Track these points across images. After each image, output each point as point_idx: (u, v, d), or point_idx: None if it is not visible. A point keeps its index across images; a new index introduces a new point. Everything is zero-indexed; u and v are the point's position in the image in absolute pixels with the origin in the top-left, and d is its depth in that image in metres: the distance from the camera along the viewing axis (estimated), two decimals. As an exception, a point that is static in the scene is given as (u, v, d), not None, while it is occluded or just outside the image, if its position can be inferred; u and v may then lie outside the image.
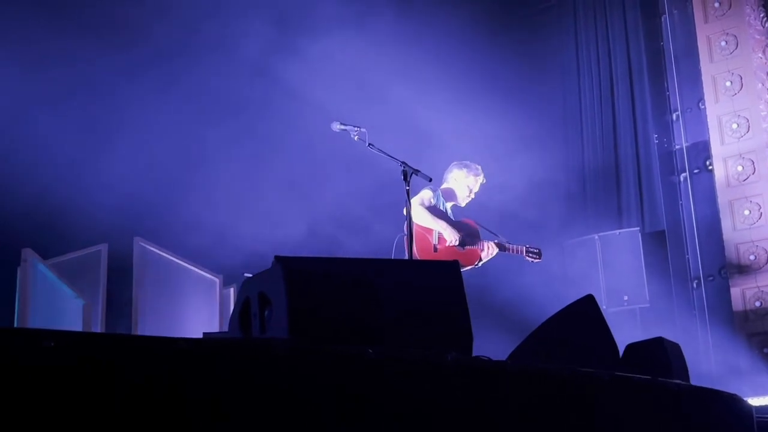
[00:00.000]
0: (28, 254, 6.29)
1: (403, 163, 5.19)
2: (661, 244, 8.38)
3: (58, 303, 6.79)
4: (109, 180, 7.51)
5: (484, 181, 6.65)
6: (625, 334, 4.62)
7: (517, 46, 9.22)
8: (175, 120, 8.10)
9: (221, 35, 8.16)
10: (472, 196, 6.63)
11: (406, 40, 8.38)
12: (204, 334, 5.53)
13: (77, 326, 6.79)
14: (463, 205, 6.64)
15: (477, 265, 6.45)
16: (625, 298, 7.84)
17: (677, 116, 8.71)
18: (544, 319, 4.28)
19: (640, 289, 7.83)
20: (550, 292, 7.56)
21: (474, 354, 3.47)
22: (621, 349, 4.27)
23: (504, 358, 3.85)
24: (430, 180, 5.25)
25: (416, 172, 5.16)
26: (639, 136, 8.87)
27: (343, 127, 5.51)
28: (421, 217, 6.19)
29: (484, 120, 8.50)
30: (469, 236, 6.39)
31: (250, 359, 2.59)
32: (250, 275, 5.61)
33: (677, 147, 8.66)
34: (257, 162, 8.13)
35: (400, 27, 8.32)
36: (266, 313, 3.18)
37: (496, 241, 6.49)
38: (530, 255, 6.62)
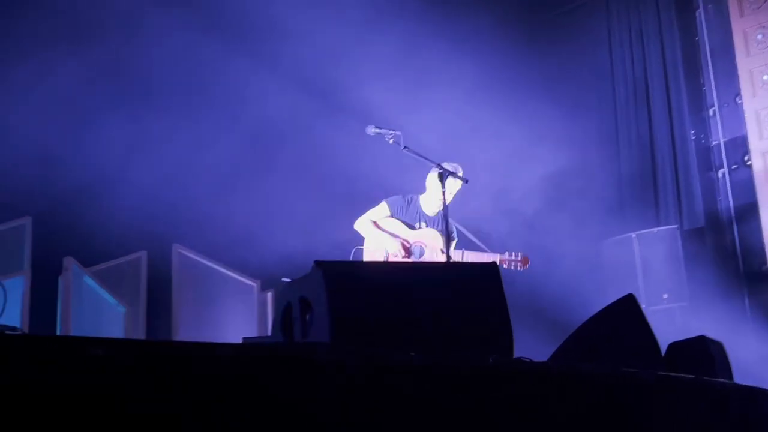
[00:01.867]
0: (70, 263, 6.39)
1: (438, 165, 5.18)
2: (700, 241, 8.28)
3: (99, 310, 6.89)
4: (147, 188, 7.60)
5: (462, 178, 5.80)
6: (665, 333, 4.57)
7: (550, 46, 9.18)
8: (209, 129, 8.19)
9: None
10: (447, 201, 5.82)
11: (437, 40, 8.38)
12: (243, 339, 5.58)
13: (118, 333, 6.90)
14: (441, 207, 5.89)
15: None
16: (665, 296, 7.76)
17: (714, 111, 8.60)
18: (583, 319, 4.26)
19: (680, 287, 7.75)
20: (588, 291, 7.52)
21: (515, 356, 3.46)
22: (662, 348, 4.23)
23: (544, 360, 3.83)
24: (466, 181, 5.22)
25: (452, 173, 5.15)
26: (675, 132, 8.76)
27: (377, 130, 5.51)
28: (365, 230, 6.06)
29: (517, 120, 8.47)
30: (430, 246, 5.92)
31: (292, 364, 2.60)
32: (289, 280, 5.67)
33: (714, 143, 8.55)
34: (292, 169, 8.19)
35: (431, 27, 8.32)
36: (307, 317, 3.20)
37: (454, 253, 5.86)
38: (510, 264, 5.98)
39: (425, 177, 5.99)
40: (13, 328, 3.21)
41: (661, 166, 8.79)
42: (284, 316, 3.32)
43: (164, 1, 7.83)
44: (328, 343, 2.94)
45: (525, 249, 7.50)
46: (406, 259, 5.89)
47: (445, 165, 5.60)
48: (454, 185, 5.78)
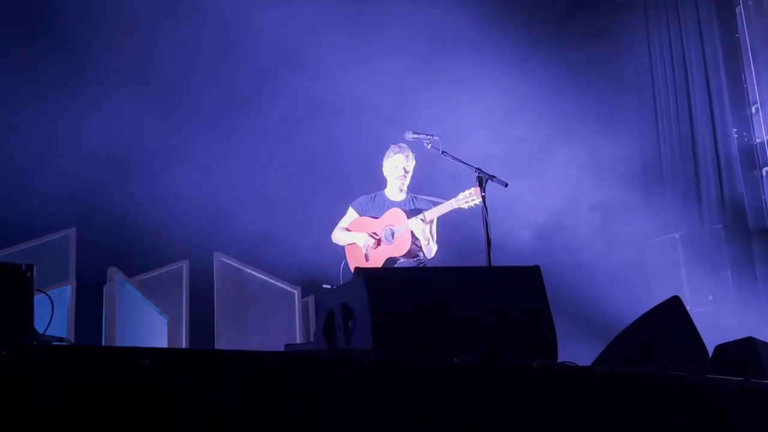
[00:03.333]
0: (114, 273, 6.47)
1: (478, 169, 5.14)
2: (744, 241, 8.14)
3: (143, 319, 6.97)
4: (188, 198, 7.69)
5: (409, 157, 5.91)
6: (711, 335, 4.50)
7: (588, 47, 9.11)
8: (249, 142, 8.29)
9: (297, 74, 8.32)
10: (404, 179, 5.94)
11: (475, 42, 8.37)
12: (286, 345, 5.61)
13: (162, 341, 6.96)
14: (404, 188, 5.97)
15: (421, 248, 5.79)
16: (710, 297, 7.64)
17: (756, 109, 8.46)
18: (627, 322, 4.21)
19: (726, 287, 7.63)
20: (632, 293, 7.45)
21: (559, 359, 3.44)
22: (709, 351, 4.17)
23: (589, 363, 3.80)
24: (506, 185, 5.16)
25: (491, 177, 5.10)
26: (717, 130, 8.62)
27: (416, 136, 5.52)
28: (338, 239, 6.09)
29: (555, 122, 8.43)
30: (397, 224, 5.83)
31: (337, 370, 2.61)
32: (330, 286, 5.70)
33: (758, 140, 8.41)
34: (330, 177, 8.24)
35: (469, 28, 8.32)
36: (350, 323, 3.21)
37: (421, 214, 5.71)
38: (468, 202, 5.42)
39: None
40: (61, 339, 3.25)
41: (703, 164, 8.67)
42: (327, 323, 3.33)
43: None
44: (371, 349, 2.94)
45: (567, 251, 7.45)
46: (379, 247, 5.86)
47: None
48: (403, 161, 5.88)
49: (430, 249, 5.80)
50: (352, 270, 5.83)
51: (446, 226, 6.19)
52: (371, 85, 7.98)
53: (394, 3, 8.35)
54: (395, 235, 5.83)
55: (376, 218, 5.99)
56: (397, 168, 5.95)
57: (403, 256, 5.82)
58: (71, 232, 6.94)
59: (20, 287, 3.11)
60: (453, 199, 5.50)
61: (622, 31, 9.52)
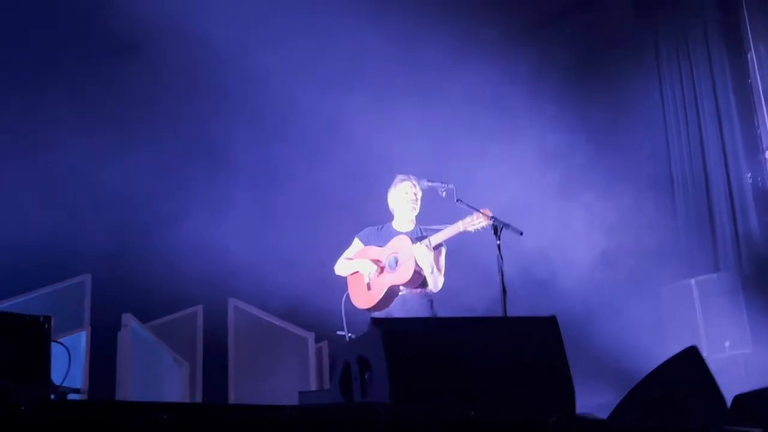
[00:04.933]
0: (129, 319, 6.50)
1: (492, 217, 5.15)
2: (761, 286, 8.08)
3: (158, 365, 6.97)
4: (202, 244, 7.74)
5: (416, 185, 5.79)
6: (729, 382, 4.45)
7: (600, 92, 9.15)
8: (263, 187, 8.36)
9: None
10: (415, 204, 5.79)
11: (485, 84, 8.45)
12: (300, 393, 5.59)
13: (177, 387, 6.97)
14: (412, 217, 5.81)
15: (432, 276, 5.60)
16: (727, 344, 7.56)
17: (770, 154, 8.47)
18: (644, 369, 4.17)
19: (743, 333, 7.54)
20: (648, 339, 7.39)
21: (577, 411, 3.41)
22: (727, 399, 4.12)
23: (605, 412, 3.77)
24: (521, 234, 5.16)
25: (506, 226, 5.11)
26: (731, 175, 8.60)
27: (430, 183, 5.53)
28: (341, 269, 5.89)
29: (569, 165, 8.46)
30: (401, 250, 5.64)
31: (355, 424, 2.60)
32: (344, 333, 5.68)
33: (772, 185, 8.41)
34: (344, 223, 8.27)
35: (481, 71, 8.41)
36: (366, 376, 3.21)
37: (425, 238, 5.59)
38: (476, 226, 5.32)
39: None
40: (77, 390, 3.26)
41: (717, 209, 8.64)
42: (343, 376, 3.32)
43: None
44: (388, 403, 2.93)
45: (582, 298, 7.39)
46: (381, 275, 5.63)
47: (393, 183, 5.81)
48: (410, 190, 5.75)
49: (435, 280, 5.59)
50: (354, 302, 5.74)
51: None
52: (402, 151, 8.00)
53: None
54: (398, 262, 5.63)
55: (380, 246, 5.81)
56: (407, 194, 5.79)
57: (405, 285, 5.59)
58: (86, 279, 6.99)
59: (38, 339, 3.14)
60: (459, 222, 5.35)
61: (633, 76, 9.57)
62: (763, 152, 8.53)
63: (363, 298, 5.72)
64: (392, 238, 5.76)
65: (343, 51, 8.31)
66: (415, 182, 5.81)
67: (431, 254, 5.52)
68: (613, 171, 8.47)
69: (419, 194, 5.81)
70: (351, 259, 5.88)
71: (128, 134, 8.12)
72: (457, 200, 5.35)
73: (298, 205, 8.51)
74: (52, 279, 7.01)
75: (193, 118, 8.40)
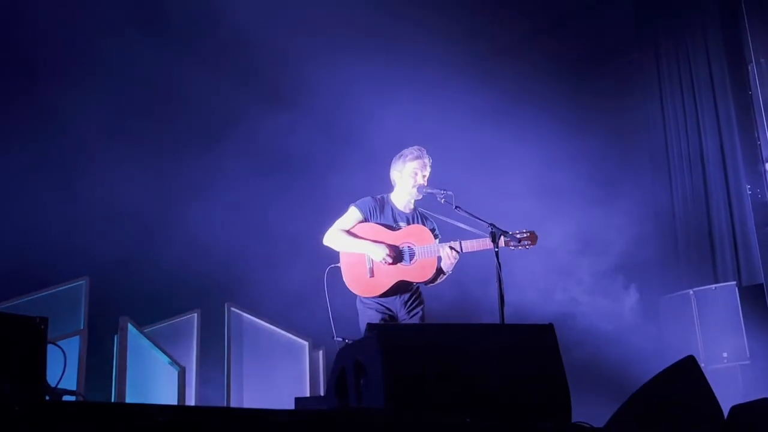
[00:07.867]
0: (125, 322, 6.48)
1: (491, 224, 5.10)
2: (759, 298, 8.07)
3: (154, 369, 6.96)
4: (199, 248, 7.74)
5: (429, 160, 5.47)
6: (726, 393, 4.45)
7: (601, 102, 9.18)
8: (262, 192, 8.36)
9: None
10: (423, 181, 5.43)
11: (487, 96, 8.46)
12: (296, 399, 5.57)
13: (173, 392, 6.94)
14: (419, 196, 5.47)
15: (440, 276, 5.38)
16: (725, 355, 7.56)
17: (769, 166, 8.47)
18: (642, 379, 4.16)
19: (740, 345, 7.54)
20: (646, 349, 7.39)
21: (572, 420, 3.40)
22: (724, 410, 4.11)
23: (601, 422, 3.76)
24: (519, 242, 5.13)
25: (505, 233, 5.09)
26: (731, 187, 8.61)
27: (429, 190, 5.41)
28: (338, 243, 5.34)
29: (569, 176, 8.45)
30: (420, 244, 5.30)
31: (350, 429, 2.59)
32: (341, 339, 5.64)
33: (771, 197, 8.41)
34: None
35: (481, 83, 8.41)
36: (362, 381, 3.20)
37: (450, 244, 5.24)
38: (518, 243, 5.08)
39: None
40: (72, 392, 3.24)
41: (717, 221, 8.65)
42: (338, 381, 3.31)
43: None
44: (383, 408, 2.92)
45: (582, 307, 7.37)
46: (392, 265, 5.23)
47: (400, 154, 5.50)
48: (420, 167, 5.43)
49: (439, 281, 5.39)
50: (349, 284, 5.32)
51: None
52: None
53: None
54: (415, 257, 5.27)
55: (390, 227, 5.41)
56: (416, 176, 5.43)
57: (418, 282, 5.28)
58: (83, 282, 6.97)
59: (34, 340, 3.12)
60: (502, 238, 5.01)
61: (633, 87, 9.59)
62: (763, 164, 8.53)
63: (362, 284, 5.31)
64: (394, 218, 5.45)
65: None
66: (426, 159, 5.46)
67: (455, 260, 5.22)
68: (613, 180, 8.48)
69: (428, 173, 5.47)
70: (353, 234, 5.39)
71: (126, 140, 8.12)
72: (456, 207, 5.25)
73: (299, 207, 8.50)
74: (50, 282, 7.00)
75: (193, 123, 8.40)
